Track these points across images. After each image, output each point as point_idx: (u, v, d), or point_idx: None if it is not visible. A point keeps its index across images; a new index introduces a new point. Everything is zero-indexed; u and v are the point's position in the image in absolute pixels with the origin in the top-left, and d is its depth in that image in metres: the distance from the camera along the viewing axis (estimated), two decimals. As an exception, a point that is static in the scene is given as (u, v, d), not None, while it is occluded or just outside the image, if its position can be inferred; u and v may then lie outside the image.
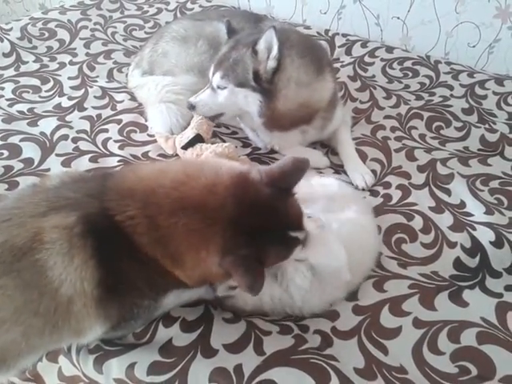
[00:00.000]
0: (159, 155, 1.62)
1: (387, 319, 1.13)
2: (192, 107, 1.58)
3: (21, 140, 1.62)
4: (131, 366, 1.04)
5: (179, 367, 1.01)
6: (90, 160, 1.57)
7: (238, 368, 1.00)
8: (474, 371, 1.02)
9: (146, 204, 0.96)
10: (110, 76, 1.99)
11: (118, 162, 1.57)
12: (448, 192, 1.50)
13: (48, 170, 1.52)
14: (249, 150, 1.69)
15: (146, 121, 1.75)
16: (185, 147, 1.54)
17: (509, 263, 1.27)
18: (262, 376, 0.98)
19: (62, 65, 2.04)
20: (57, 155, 1.58)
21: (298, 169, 0.98)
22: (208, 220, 0.92)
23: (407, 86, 1.99)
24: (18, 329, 0.94)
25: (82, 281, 0.94)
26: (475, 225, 1.37)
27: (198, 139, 1.55)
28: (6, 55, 2.06)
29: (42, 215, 0.96)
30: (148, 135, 1.70)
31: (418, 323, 1.11)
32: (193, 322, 1.10)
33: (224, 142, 1.65)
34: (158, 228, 0.94)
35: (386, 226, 1.38)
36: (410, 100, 1.91)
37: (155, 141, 1.65)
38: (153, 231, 0.95)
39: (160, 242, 0.95)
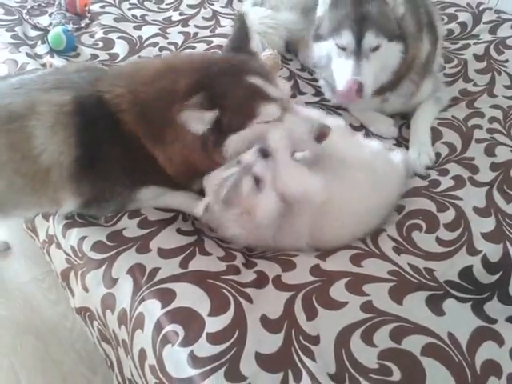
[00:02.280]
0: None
1: (339, 291, 0.99)
2: (361, 88, 1.33)
3: (118, 37, 1.76)
4: (82, 238, 1.12)
5: (114, 252, 1.06)
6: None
7: (155, 270, 1.00)
8: (397, 376, 0.87)
9: (130, 82, 1.07)
10: (228, 3, 2.04)
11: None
12: (509, 199, 1.24)
13: (127, 67, 1.65)
14: (318, 98, 1.60)
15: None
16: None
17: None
18: (168, 284, 0.97)
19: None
20: (139, 57, 1.68)
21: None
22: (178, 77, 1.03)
23: (539, 83, 1.65)
24: (2, 182, 1.08)
25: (60, 154, 1.05)
26: (519, 243, 1.12)
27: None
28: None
29: (45, 91, 1.08)
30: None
31: (367, 308, 0.96)
32: (151, 222, 1.13)
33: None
34: (140, 100, 1.04)
35: (410, 208, 1.21)
36: (532, 98, 1.58)
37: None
38: (135, 105, 1.05)
39: (142, 115, 1.05)
